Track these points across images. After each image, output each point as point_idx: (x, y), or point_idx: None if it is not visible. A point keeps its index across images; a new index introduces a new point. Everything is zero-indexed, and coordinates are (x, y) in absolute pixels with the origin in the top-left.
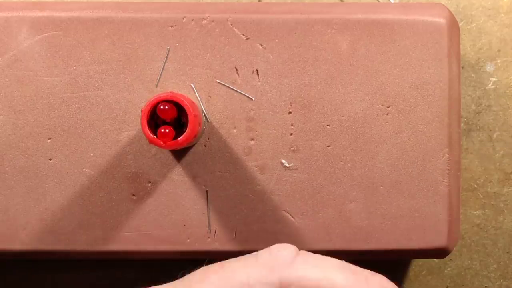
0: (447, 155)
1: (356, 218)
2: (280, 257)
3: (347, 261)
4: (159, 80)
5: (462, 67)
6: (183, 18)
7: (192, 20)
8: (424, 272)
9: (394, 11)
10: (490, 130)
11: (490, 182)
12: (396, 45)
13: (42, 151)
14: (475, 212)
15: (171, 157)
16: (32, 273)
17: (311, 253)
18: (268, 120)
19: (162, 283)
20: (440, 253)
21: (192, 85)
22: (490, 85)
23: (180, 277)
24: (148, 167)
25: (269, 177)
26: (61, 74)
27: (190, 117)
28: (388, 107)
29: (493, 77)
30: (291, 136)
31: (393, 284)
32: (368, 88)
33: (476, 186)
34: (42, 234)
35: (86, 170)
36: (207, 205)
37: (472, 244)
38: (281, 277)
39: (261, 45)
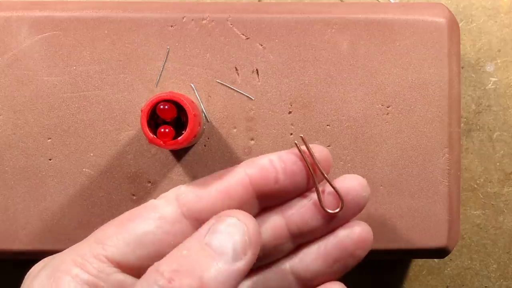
0: (447, 155)
1: (356, 218)
2: (168, 190)
3: None
4: (159, 79)
5: (462, 67)
6: (183, 18)
7: (192, 20)
8: (424, 272)
9: (394, 11)
10: (490, 130)
11: (490, 182)
12: (396, 45)
13: (42, 151)
14: (475, 212)
15: (171, 157)
16: None
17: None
18: (268, 120)
19: None
20: (440, 253)
21: (192, 85)
22: (490, 85)
23: None
24: (148, 167)
25: None
26: (61, 74)
27: (190, 117)
28: (388, 107)
29: (493, 77)
30: (291, 136)
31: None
32: (368, 88)
33: (476, 186)
34: (42, 234)
35: (86, 170)
36: None
37: (472, 244)
38: (174, 193)
39: (261, 45)
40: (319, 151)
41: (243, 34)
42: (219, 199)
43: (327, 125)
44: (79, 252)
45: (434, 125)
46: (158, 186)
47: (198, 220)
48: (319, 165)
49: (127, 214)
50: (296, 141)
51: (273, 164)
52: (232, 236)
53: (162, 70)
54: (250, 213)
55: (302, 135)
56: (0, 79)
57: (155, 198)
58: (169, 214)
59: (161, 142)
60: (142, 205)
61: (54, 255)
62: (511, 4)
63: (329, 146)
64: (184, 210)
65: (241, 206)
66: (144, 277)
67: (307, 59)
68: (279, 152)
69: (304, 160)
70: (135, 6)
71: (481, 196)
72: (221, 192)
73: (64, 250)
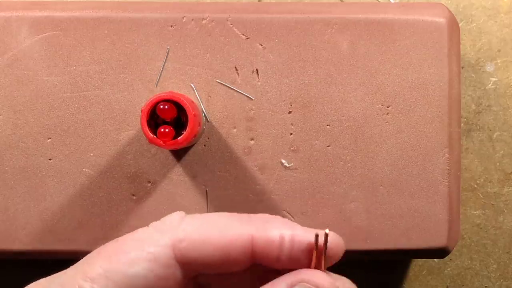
0: (447, 155)
1: (356, 218)
2: (167, 220)
3: (347, 261)
4: (159, 79)
5: (462, 67)
6: (183, 18)
7: (192, 20)
8: (424, 272)
9: (394, 11)
10: (490, 130)
11: (490, 182)
12: (396, 45)
13: (42, 151)
14: (475, 212)
15: (171, 157)
16: (32, 273)
17: (199, 214)
18: (268, 120)
19: None
20: (440, 253)
21: (192, 85)
22: (490, 85)
23: None
24: (148, 167)
25: (269, 177)
26: (61, 74)
27: (190, 117)
28: (388, 107)
29: (493, 77)
30: (291, 136)
31: (277, 218)
32: (368, 88)
33: (476, 186)
34: (42, 234)
35: (86, 170)
36: (207, 205)
37: (472, 244)
38: (171, 235)
39: (261, 45)
40: (336, 246)
41: (243, 34)
42: (216, 254)
43: (327, 125)
44: None
45: (434, 125)
46: (158, 186)
47: (190, 267)
48: (327, 261)
49: (115, 245)
50: (317, 232)
51: (282, 242)
52: None
53: (162, 70)
54: (241, 269)
55: (327, 232)
56: (0, 79)
57: (154, 199)
58: (162, 257)
59: (161, 142)
60: (134, 235)
61: (37, 285)
62: (511, 4)
63: (329, 146)
64: (178, 256)
65: (236, 264)
66: None
67: (307, 59)
68: (296, 228)
69: (316, 250)
70: (135, 6)
71: (481, 196)
72: (221, 249)
73: (49, 279)
